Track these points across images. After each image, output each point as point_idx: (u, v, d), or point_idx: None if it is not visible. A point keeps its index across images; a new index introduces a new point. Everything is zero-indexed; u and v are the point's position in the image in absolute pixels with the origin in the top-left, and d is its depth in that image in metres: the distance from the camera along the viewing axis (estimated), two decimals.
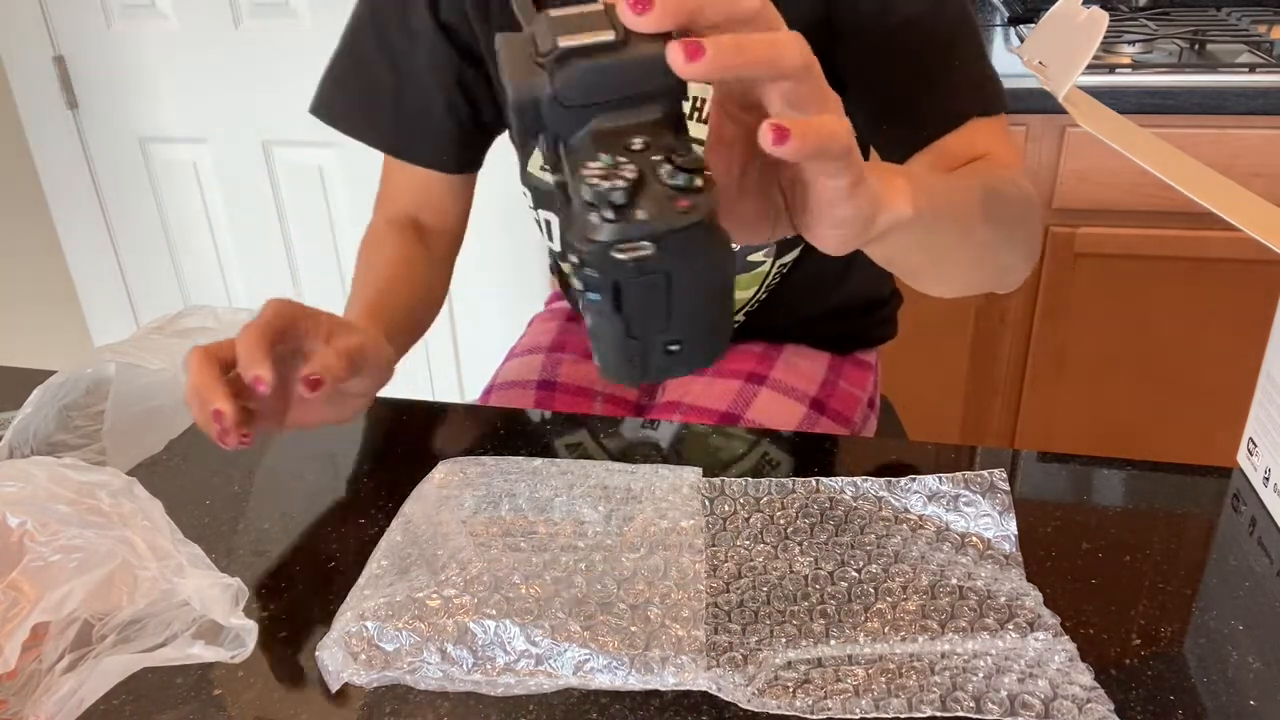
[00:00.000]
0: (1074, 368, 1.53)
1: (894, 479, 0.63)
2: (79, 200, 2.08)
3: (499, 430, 0.74)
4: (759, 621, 0.54)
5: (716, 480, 0.64)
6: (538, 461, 0.67)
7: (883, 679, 0.50)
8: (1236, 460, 0.67)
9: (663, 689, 0.50)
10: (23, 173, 2.05)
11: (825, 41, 0.71)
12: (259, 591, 0.58)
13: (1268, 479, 0.62)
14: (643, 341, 0.38)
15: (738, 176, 0.43)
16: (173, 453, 0.73)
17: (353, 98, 0.87)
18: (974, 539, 0.59)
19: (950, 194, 0.55)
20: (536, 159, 0.86)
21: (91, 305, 2.21)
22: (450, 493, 0.64)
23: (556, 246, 0.94)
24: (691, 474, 0.65)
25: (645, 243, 0.34)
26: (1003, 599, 0.54)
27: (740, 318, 0.95)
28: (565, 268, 0.98)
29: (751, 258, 0.88)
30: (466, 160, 0.89)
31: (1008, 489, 0.62)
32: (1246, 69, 1.34)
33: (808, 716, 0.48)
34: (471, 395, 1.65)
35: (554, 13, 0.37)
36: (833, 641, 0.52)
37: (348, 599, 0.56)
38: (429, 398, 1.80)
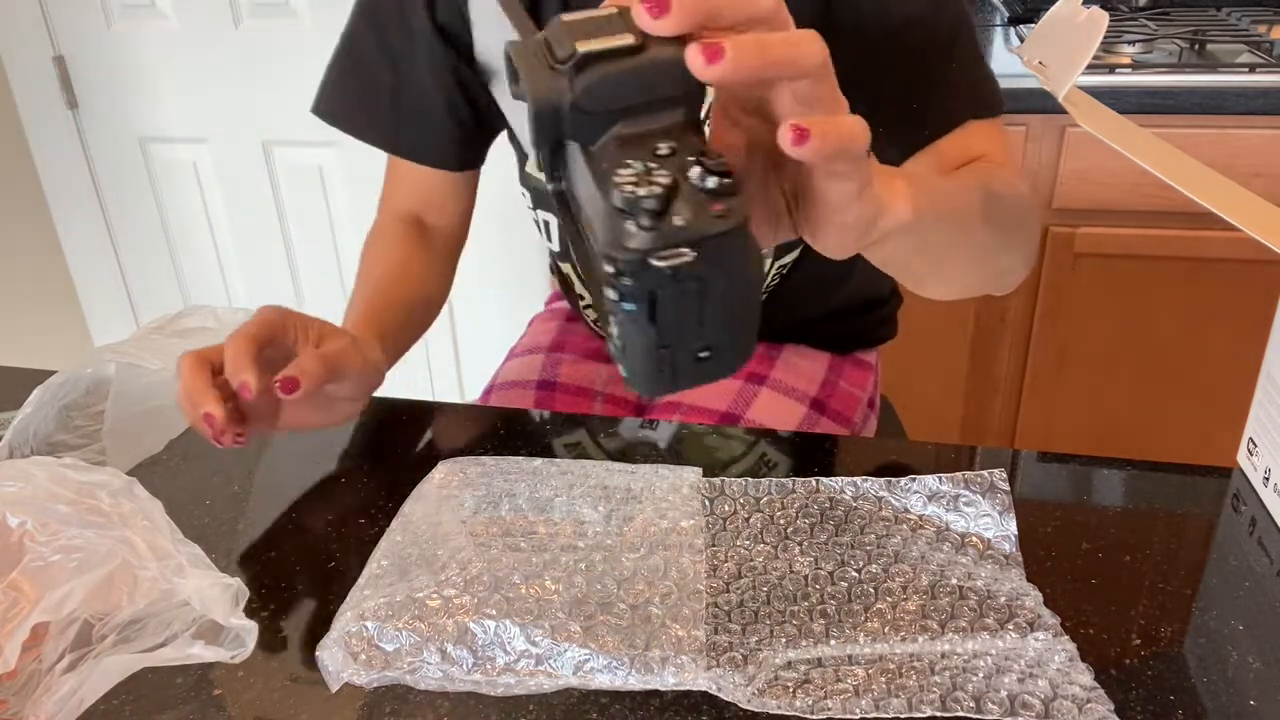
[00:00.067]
0: (1074, 368, 1.53)
1: (894, 479, 0.63)
2: (79, 200, 2.08)
3: (499, 430, 0.74)
4: (759, 621, 0.54)
5: (716, 480, 0.64)
6: (538, 461, 0.67)
7: (883, 679, 0.50)
8: (1236, 460, 0.67)
9: (663, 689, 0.50)
10: (23, 173, 2.05)
11: (825, 42, 0.71)
12: (259, 591, 0.58)
13: (1268, 479, 0.62)
14: (673, 350, 0.37)
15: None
16: (173, 453, 0.73)
17: (353, 97, 0.87)
18: (974, 539, 0.59)
19: (949, 196, 0.55)
20: (535, 159, 0.86)
21: (91, 305, 2.21)
22: (450, 493, 0.64)
23: (556, 247, 0.94)
24: (691, 474, 0.65)
25: (684, 249, 0.33)
26: (1003, 599, 0.54)
27: None
28: (565, 267, 0.98)
29: None
30: (468, 158, 0.89)
31: (1008, 489, 0.62)
32: (1246, 69, 1.34)
33: (808, 716, 0.48)
34: (471, 395, 1.65)
35: (567, 18, 0.36)
36: (833, 641, 0.52)
37: (348, 599, 0.56)
38: (429, 398, 1.80)
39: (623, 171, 0.34)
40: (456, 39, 0.82)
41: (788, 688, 0.49)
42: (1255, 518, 0.62)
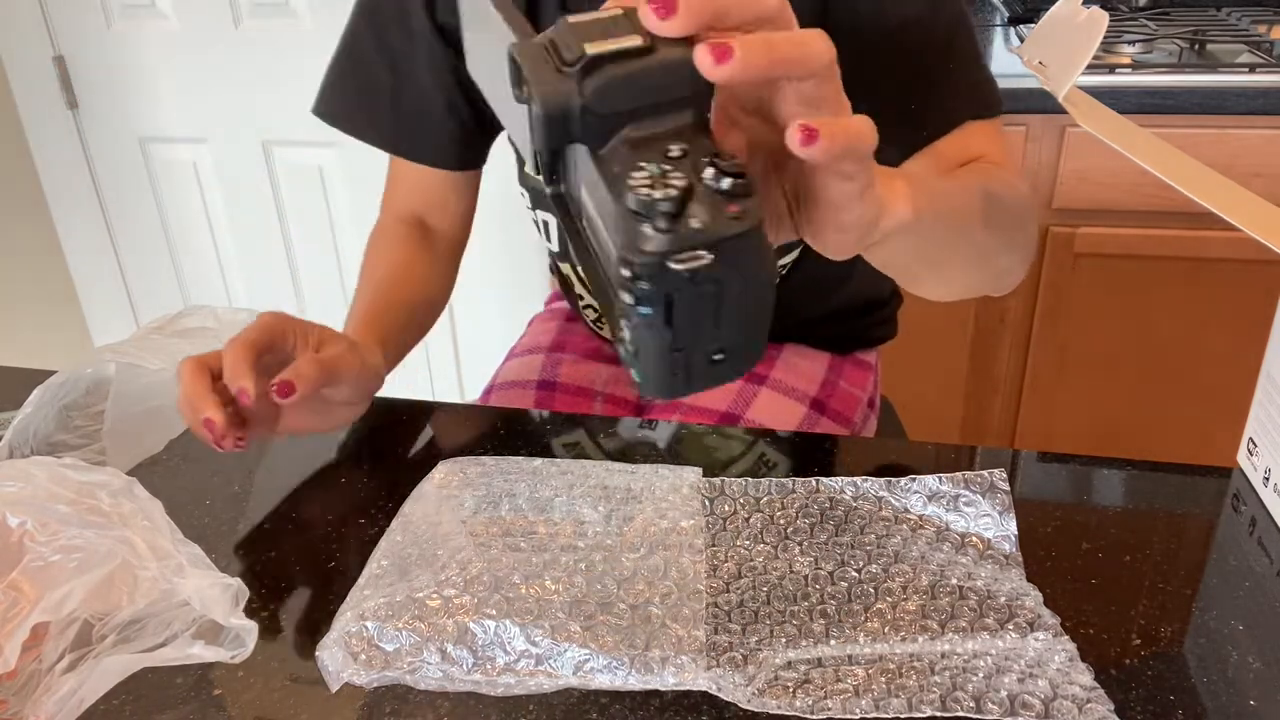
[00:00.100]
0: (1074, 368, 1.53)
1: (894, 479, 0.63)
2: (79, 200, 2.08)
3: (499, 430, 0.74)
4: (759, 621, 0.54)
5: (716, 480, 0.64)
6: (538, 461, 0.67)
7: (883, 679, 0.50)
8: (1236, 460, 0.67)
9: (663, 689, 0.50)
10: (23, 173, 2.05)
11: None
12: (259, 591, 0.58)
13: (1268, 479, 0.62)
14: (688, 353, 0.36)
15: None
16: (173, 453, 0.73)
17: (353, 98, 0.87)
18: (974, 539, 0.59)
19: (948, 196, 0.55)
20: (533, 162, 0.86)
21: (91, 305, 2.21)
22: (450, 493, 0.64)
23: (555, 247, 0.94)
24: (691, 474, 0.65)
25: (702, 252, 0.33)
26: (1003, 599, 0.54)
27: None
28: (564, 267, 0.98)
29: None
30: (468, 159, 0.89)
31: (1008, 489, 0.62)
32: (1246, 69, 1.34)
33: (808, 716, 0.48)
34: (471, 395, 1.65)
35: (573, 19, 0.36)
36: (833, 641, 0.52)
37: (348, 599, 0.56)
38: (429, 398, 1.80)
39: (637, 174, 0.34)
40: (456, 39, 0.82)
41: (788, 688, 0.49)
42: (1255, 518, 0.62)
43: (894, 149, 0.72)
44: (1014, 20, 1.63)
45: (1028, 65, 0.58)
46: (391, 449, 0.73)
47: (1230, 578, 0.57)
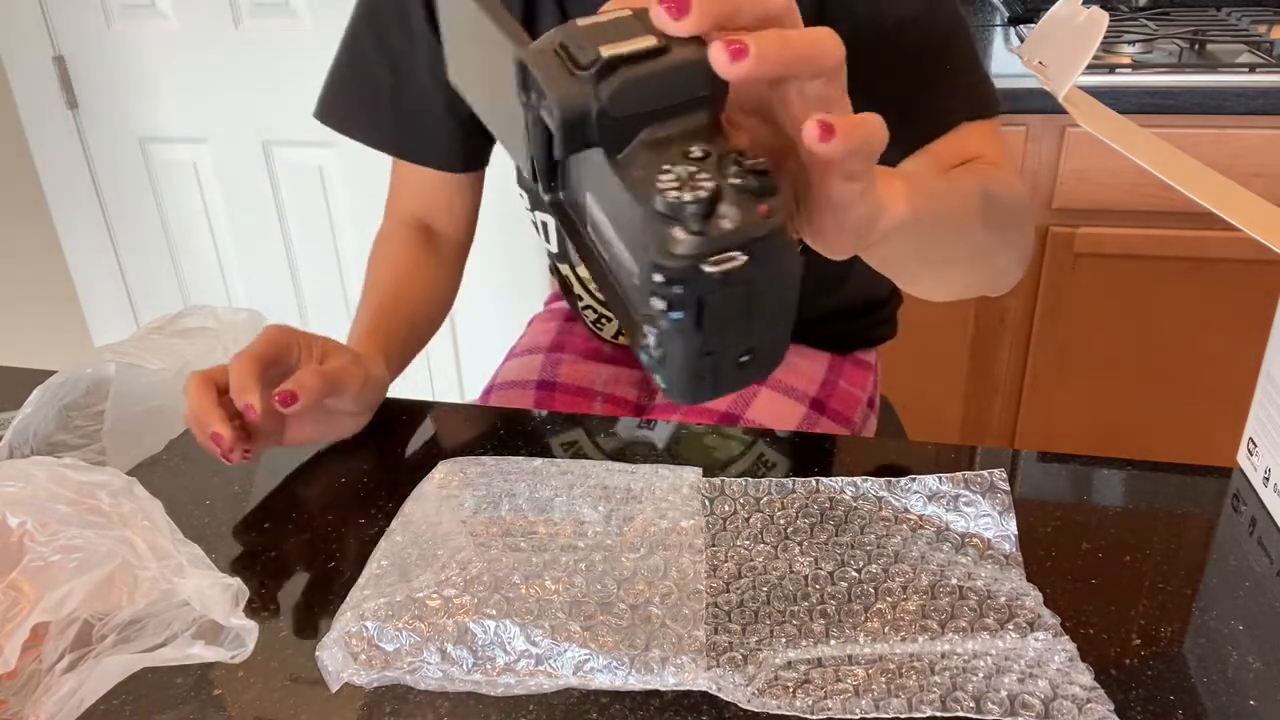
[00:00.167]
0: (1074, 368, 1.53)
1: (894, 479, 0.63)
2: (79, 200, 2.08)
3: (499, 430, 0.74)
4: (759, 621, 0.54)
5: (716, 480, 0.64)
6: (538, 461, 0.67)
7: (883, 679, 0.50)
8: (1236, 460, 0.67)
9: (663, 689, 0.50)
10: (23, 173, 2.05)
11: None
12: (259, 591, 0.58)
13: (1268, 479, 0.62)
14: (716, 356, 0.35)
15: None
16: (173, 453, 0.73)
17: (354, 100, 0.87)
18: (974, 539, 0.59)
19: (946, 196, 0.55)
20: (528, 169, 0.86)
21: (91, 305, 2.21)
22: (450, 493, 0.64)
23: (554, 248, 0.94)
24: (691, 474, 0.65)
25: (735, 253, 0.32)
26: (1003, 599, 0.54)
27: None
28: (564, 268, 0.98)
29: None
30: (470, 160, 0.89)
31: (1008, 489, 0.62)
32: (1246, 69, 1.34)
33: (808, 716, 0.48)
34: (471, 395, 1.65)
35: (583, 22, 0.35)
36: (833, 641, 0.52)
37: (348, 599, 0.56)
38: (429, 398, 1.80)
39: (664, 177, 0.33)
40: None
41: (788, 688, 0.49)
42: (1255, 518, 0.62)
43: (892, 149, 0.72)
44: (1014, 20, 1.63)
45: (1028, 65, 0.58)
46: (391, 449, 0.73)
47: (1230, 578, 0.57)
